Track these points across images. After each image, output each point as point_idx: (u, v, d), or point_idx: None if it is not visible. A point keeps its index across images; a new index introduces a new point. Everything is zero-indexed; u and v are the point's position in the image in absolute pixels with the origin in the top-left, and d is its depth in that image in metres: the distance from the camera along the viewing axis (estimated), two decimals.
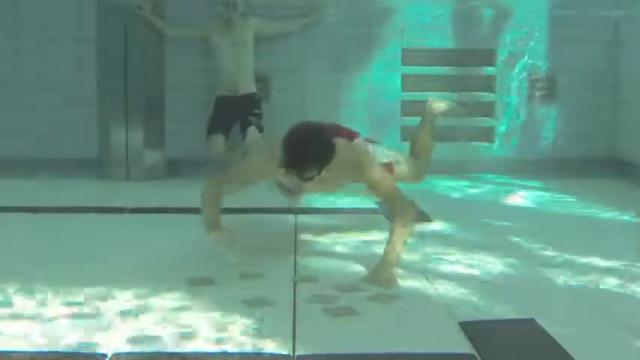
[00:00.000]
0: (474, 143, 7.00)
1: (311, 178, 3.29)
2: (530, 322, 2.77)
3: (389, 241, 3.46)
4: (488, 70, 6.99)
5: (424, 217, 4.80)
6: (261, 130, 6.06)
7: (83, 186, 6.14)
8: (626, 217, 4.97)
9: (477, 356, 2.46)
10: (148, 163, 6.59)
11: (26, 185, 6.05)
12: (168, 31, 6.53)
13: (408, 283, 3.34)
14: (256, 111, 6.16)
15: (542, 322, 2.74)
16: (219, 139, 6.12)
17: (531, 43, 6.93)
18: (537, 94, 7.00)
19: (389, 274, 3.36)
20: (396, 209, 3.53)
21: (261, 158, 3.81)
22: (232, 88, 6.24)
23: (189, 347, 2.53)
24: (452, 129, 6.92)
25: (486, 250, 3.92)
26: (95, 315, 2.85)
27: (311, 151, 3.23)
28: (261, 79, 6.50)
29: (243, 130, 6.10)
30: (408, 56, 6.90)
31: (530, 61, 6.94)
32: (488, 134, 7.04)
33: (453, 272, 3.52)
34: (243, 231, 4.12)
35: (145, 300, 3.03)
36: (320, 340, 2.60)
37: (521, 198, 5.79)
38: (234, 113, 6.19)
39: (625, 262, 3.68)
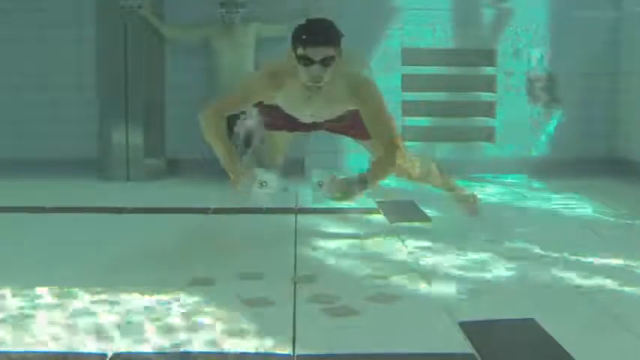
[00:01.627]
0: (474, 143, 7.00)
1: (333, 58, 3.35)
2: (530, 322, 2.77)
3: (371, 169, 3.57)
4: (489, 70, 6.99)
5: (424, 217, 4.80)
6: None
7: (83, 186, 6.14)
8: (625, 217, 4.96)
9: (477, 356, 2.46)
10: (148, 163, 6.59)
11: (26, 185, 6.04)
12: (168, 32, 6.53)
13: (408, 283, 3.33)
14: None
15: (542, 322, 2.74)
16: None
17: (531, 43, 6.93)
18: (537, 93, 7.00)
19: (353, 191, 3.50)
20: (389, 152, 3.56)
21: (262, 76, 3.73)
22: None
23: (189, 347, 2.53)
24: (452, 129, 6.93)
25: (486, 249, 3.91)
26: (95, 314, 2.85)
27: (333, 25, 3.43)
28: None
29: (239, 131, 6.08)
30: (408, 56, 6.90)
31: (530, 61, 6.95)
32: (488, 134, 7.03)
33: (453, 272, 3.51)
34: (243, 231, 4.13)
35: (144, 300, 3.02)
36: (320, 340, 2.59)
37: (521, 198, 5.79)
38: (234, 116, 6.16)
39: (626, 262, 3.67)
